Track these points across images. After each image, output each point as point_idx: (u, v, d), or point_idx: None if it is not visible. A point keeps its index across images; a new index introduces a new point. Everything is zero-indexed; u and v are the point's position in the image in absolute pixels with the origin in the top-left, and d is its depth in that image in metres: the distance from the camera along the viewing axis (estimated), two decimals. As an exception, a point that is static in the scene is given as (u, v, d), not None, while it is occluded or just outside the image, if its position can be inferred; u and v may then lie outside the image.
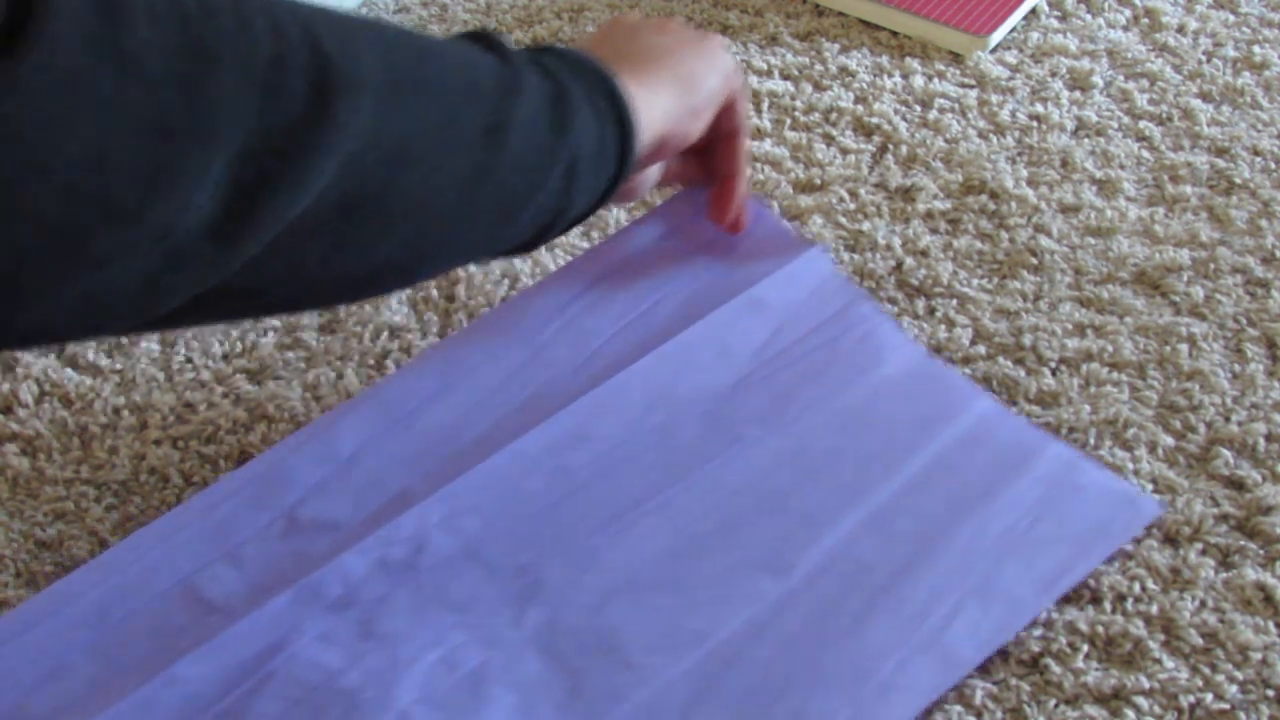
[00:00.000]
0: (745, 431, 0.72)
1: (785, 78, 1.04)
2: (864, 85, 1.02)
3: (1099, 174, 0.93)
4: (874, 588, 0.65)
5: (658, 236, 0.80)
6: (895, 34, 1.08)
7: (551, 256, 0.88)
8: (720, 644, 0.63)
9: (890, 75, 1.03)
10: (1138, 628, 0.65)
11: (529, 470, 0.69)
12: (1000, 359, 0.80)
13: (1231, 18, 1.09)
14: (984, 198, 0.92)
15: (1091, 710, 0.62)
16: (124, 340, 0.82)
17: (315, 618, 0.64)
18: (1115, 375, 0.79)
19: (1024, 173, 0.94)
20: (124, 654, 0.63)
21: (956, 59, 1.05)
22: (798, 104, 1.01)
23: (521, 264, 0.86)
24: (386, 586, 0.65)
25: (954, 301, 0.84)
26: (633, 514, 0.68)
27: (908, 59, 1.05)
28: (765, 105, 1.01)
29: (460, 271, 0.86)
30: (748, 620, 0.64)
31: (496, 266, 0.86)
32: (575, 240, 0.89)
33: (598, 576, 0.66)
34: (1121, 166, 0.94)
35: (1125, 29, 1.08)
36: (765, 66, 1.04)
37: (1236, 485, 0.72)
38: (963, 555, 0.66)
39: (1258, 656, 0.64)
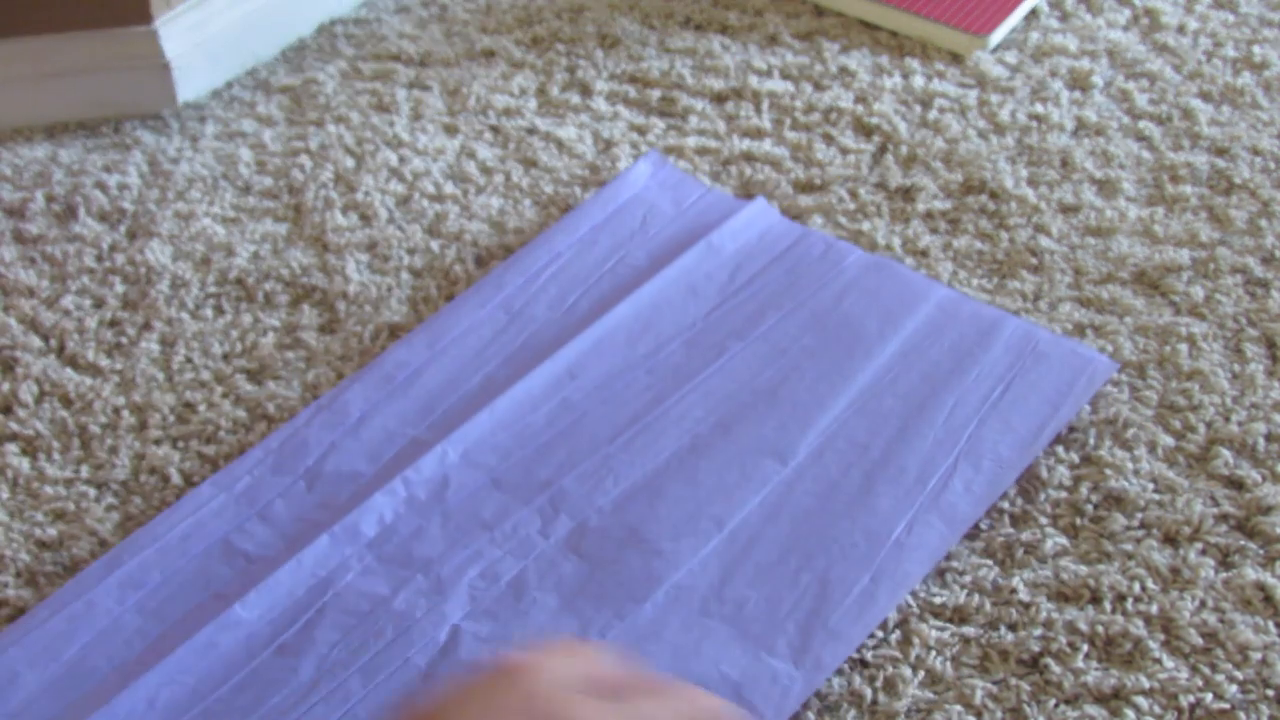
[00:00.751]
0: (727, 346, 0.78)
1: (785, 78, 1.04)
2: (864, 85, 1.02)
3: (1099, 174, 0.93)
4: (871, 462, 0.71)
5: (614, 207, 0.88)
6: (895, 34, 1.08)
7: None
8: (739, 525, 0.69)
9: (890, 75, 1.03)
10: (1138, 628, 0.65)
11: (532, 408, 0.75)
12: (1000, 359, 0.80)
13: (1231, 18, 1.09)
14: (984, 198, 0.92)
15: (1091, 710, 0.62)
16: (124, 340, 0.82)
17: (357, 554, 0.68)
18: (1115, 375, 0.79)
19: (1024, 173, 0.94)
20: (173, 608, 0.66)
21: (956, 59, 1.05)
22: (798, 104, 1.01)
23: (521, 264, 0.87)
24: (419, 520, 0.70)
25: (954, 301, 0.84)
26: (635, 427, 0.74)
27: (908, 59, 1.05)
28: (765, 105, 1.01)
29: (460, 271, 0.86)
30: (761, 502, 0.70)
31: (496, 266, 0.87)
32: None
33: (615, 482, 0.71)
34: (1121, 166, 0.94)
35: (1125, 29, 1.08)
36: (765, 66, 1.04)
37: (1236, 485, 0.72)
38: (947, 424, 0.73)
39: (1258, 656, 0.64)
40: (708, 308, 0.81)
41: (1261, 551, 0.69)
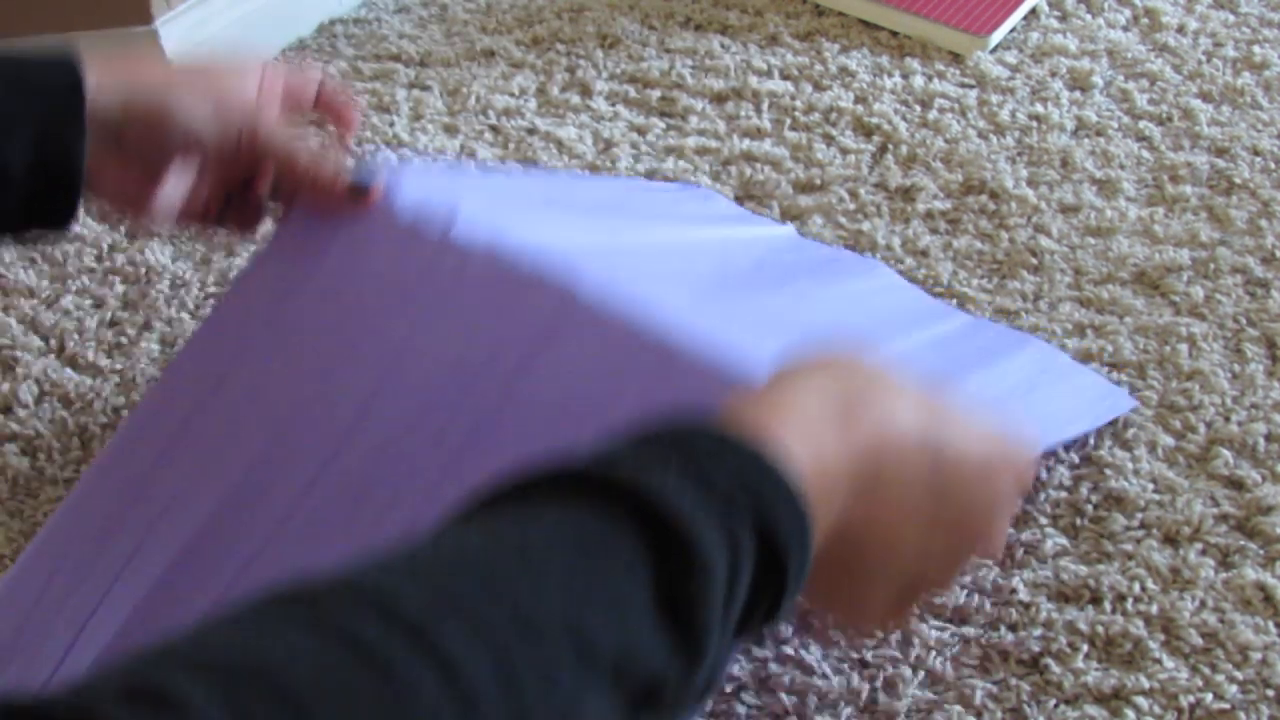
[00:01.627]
0: (742, 300, 0.68)
1: (785, 78, 1.04)
2: (864, 85, 1.02)
3: (1099, 174, 0.93)
4: None
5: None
6: (895, 34, 1.08)
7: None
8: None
9: (890, 75, 1.03)
10: (1138, 628, 0.65)
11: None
12: (1000, 359, 0.80)
13: (1231, 18, 1.09)
14: (984, 198, 0.92)
15: (1091, 710, 0.62)
16: (124, 340, 0.82)
17: None
18: (1115, 375, 0.78)
19: (1024, 173, 0.94)
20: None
21: (956, 59, 1.05)
22: (798, 104, 1.01)
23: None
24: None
25: (954, 301, 0.84)
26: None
27: (908, 59, 1.05)
28: (765, 105, 1.01)
29: (460, 271, 0.86)
30: None
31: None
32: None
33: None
34: (1121, 166, 0.94)
35: (1125, 29, 1.08)
36: (765, 66, 1.04)
37: (1236, 485, 0.72)
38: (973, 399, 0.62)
39: (1258, 656, 0.64)
40: (733, 278, 0.71)
41: (1261, 551, 0.69)
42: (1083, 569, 0.68)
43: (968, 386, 0.68)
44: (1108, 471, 0.73)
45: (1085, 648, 0.65)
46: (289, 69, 0.68)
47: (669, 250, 0.70)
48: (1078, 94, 1.01)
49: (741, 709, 0.62)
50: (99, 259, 0.88)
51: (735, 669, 0.63)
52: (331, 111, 0.71)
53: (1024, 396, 0.71)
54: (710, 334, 0.57)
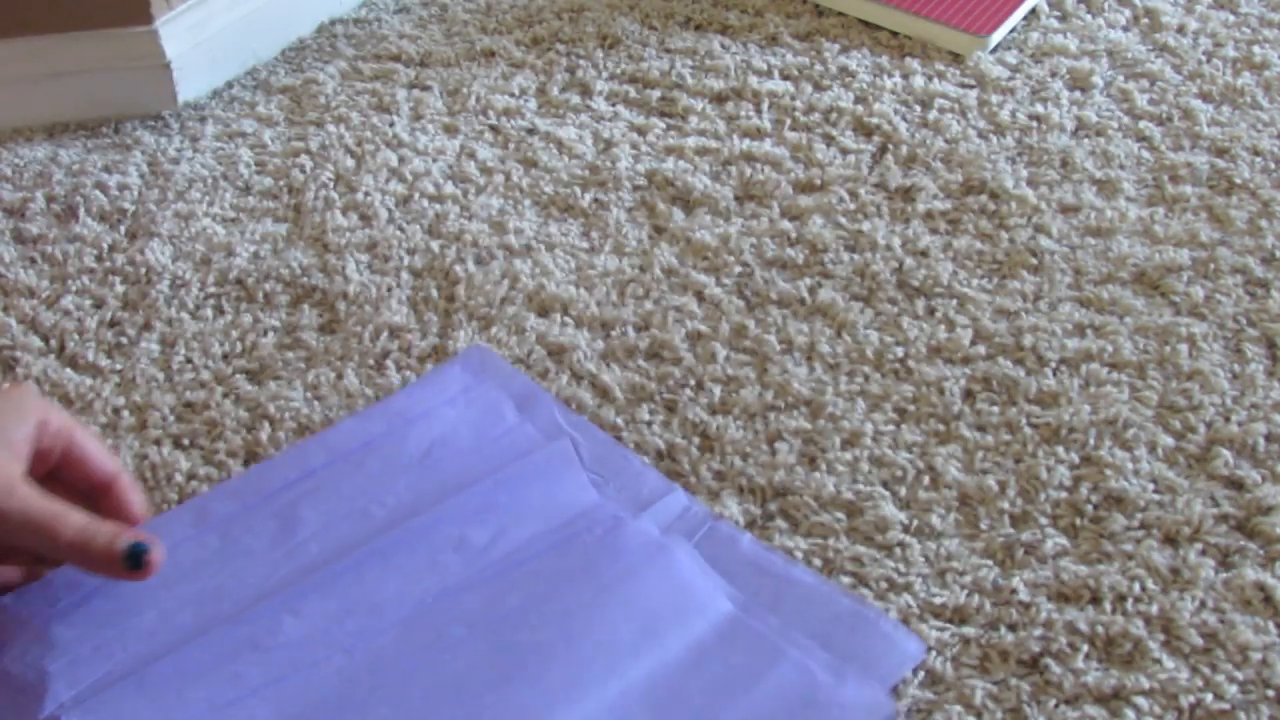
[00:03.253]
0: (447, 633, 0.64)
1: (785, 78, 1.04)
2: (864, 85, 1.02)
3: (1099, 174, 0.93)
4: None
5: (401, 422, 0.75)
6: (895, 34, 1.08)
7: (551, 258, 0.88)
8: None
9: (890, 75, 1.03)
10: (1138, 628, 0.65)
11: (186, 682, 0.62)
12: (1000, 359, 0.80)
13: (1231, 18, 1.09)
14: (984, 198, 0.92)
15: (1091, 710, 0.62)
16: (124, 340, 0.82)
17: None
18: (1115, 375, 0.79)
19: (1024, 173, 0.94)
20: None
21: (956, 59, 1.05)
22: (798, 104, 1.01)
23: (521, 263, 0.87)
24: None
25: (954, 301, 0.84)
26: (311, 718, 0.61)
27: (908, 59, 1.05)
28: (765, 105, 1.01)
29: (460, 271, 0.86)
30: None
31: (496, 266, 0.87)
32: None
33: None
34: (1121, 166, 0.94)
35: (1125, 29, 1.08)
36: (765, 66, 1.04)
37: (1236, 485, 0.72)
38: None
39: (1258, 656, 0.64)
40: (448, 582, 0.66)
41: (1261, 551, 0.69)
42: (1083, 569, 0.68)
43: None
44: (1108, 471, 0.73)
45: (1085, 648, 0.65)
46: (81, 434, 0.64)
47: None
48: (1078, 94, 1.01)
49: (741, 709, 0.62)
50: (99, 259, 0.88)
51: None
52: (118, 512, 0.65)
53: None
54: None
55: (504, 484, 0.71)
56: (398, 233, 0.90)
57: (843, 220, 0.90)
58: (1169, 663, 0.64)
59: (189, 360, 0.81)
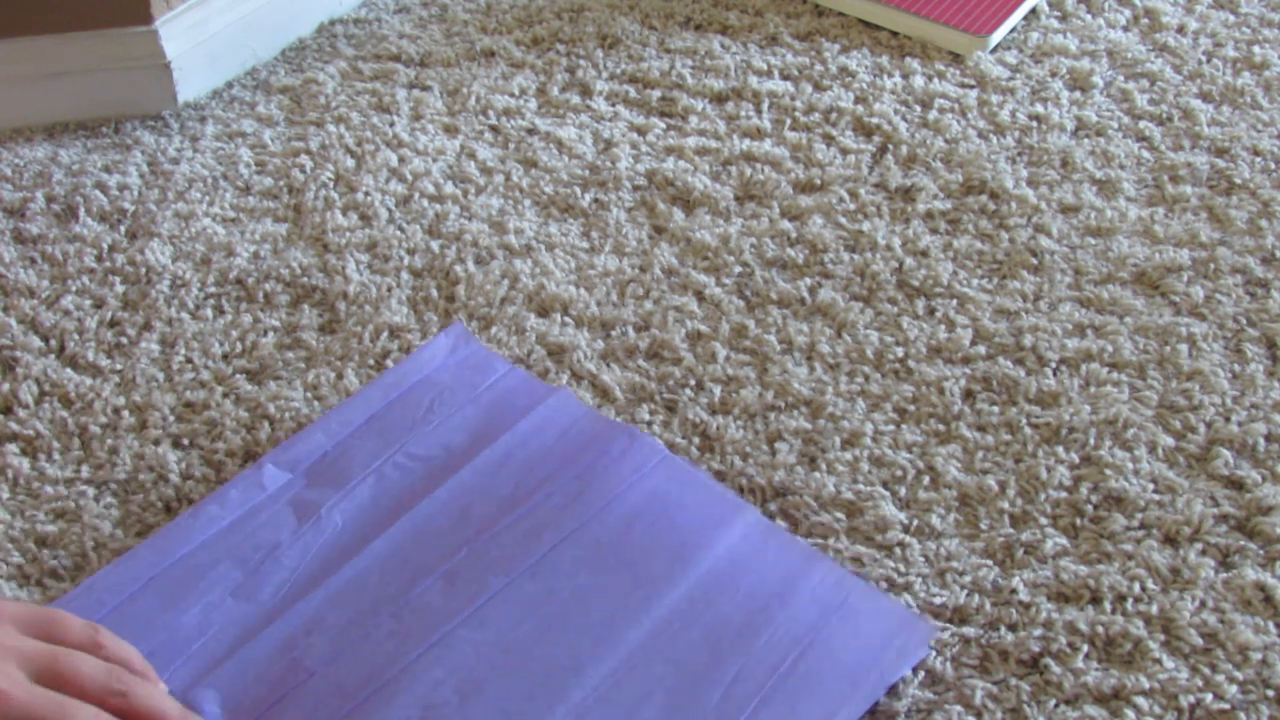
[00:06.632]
0: (489, 583, 0.67)
1: (785, 78, 1.04)
2: (864, 85, 1.02)
3: (1099, 174, 0.93)
4: None
5: (398, 393, 0.77)
6: (895, 34, 1.08)
7: (551, 257, 0.88)
8: None
9: (890, 75, 1.03)
10: (1138, 628, 0.65)
11: (256, 675, 0.64)
12: (1000, 359, 0.80)
13: (1231, 18, 1.09)
14: (984, 198, 0.92)
15: (1091, 710, 0.62)
16: (124, 340, 0.82)
17: None
18: (1115, 375, 0.79)
19: (1024, 173, 0.94)
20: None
21: (956, 59, 1.05)
22: (798, 104, 1.01)
23: (521, 263, 0.87)
24: None
25: (954, 301, 0.84)
26: (366, 692, 0.63)
27: (908, 59, 1.05)
28: (765, 105, 1.01)
29: (460, 271, 0.86)
30: None
31: (496, 266, 0.87)
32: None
33: None
34: (1121, 166, 0.94)
35: (1125, 29, 1.08)
36: (765, 66, 1.04)
37: (1236, 485, 0.72)
38: (721, 706, 0.61)
39: (1258, 656, 0.64)
40: (478, 533, 0.69)
41: (1261, 551, 0.69)
42: (1083, 569, 0.68)
43: (735, 663, 0.62)
44: (1108, 471, 0.73)
45: (1085, 648, 0.65)
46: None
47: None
48: (1078, 94, 1.01)
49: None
50: (99, 259, 0.88)
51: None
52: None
53: (796, 665, 0.63)
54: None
55: (518, 435, 0.74)
56: (398, 233, 0.90)
57: (843, 220, 0.90)
58: (1169, 663, 0.64)
59: (189, 360, 0.81)
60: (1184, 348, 0.80)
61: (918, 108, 1.00)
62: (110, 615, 0.66)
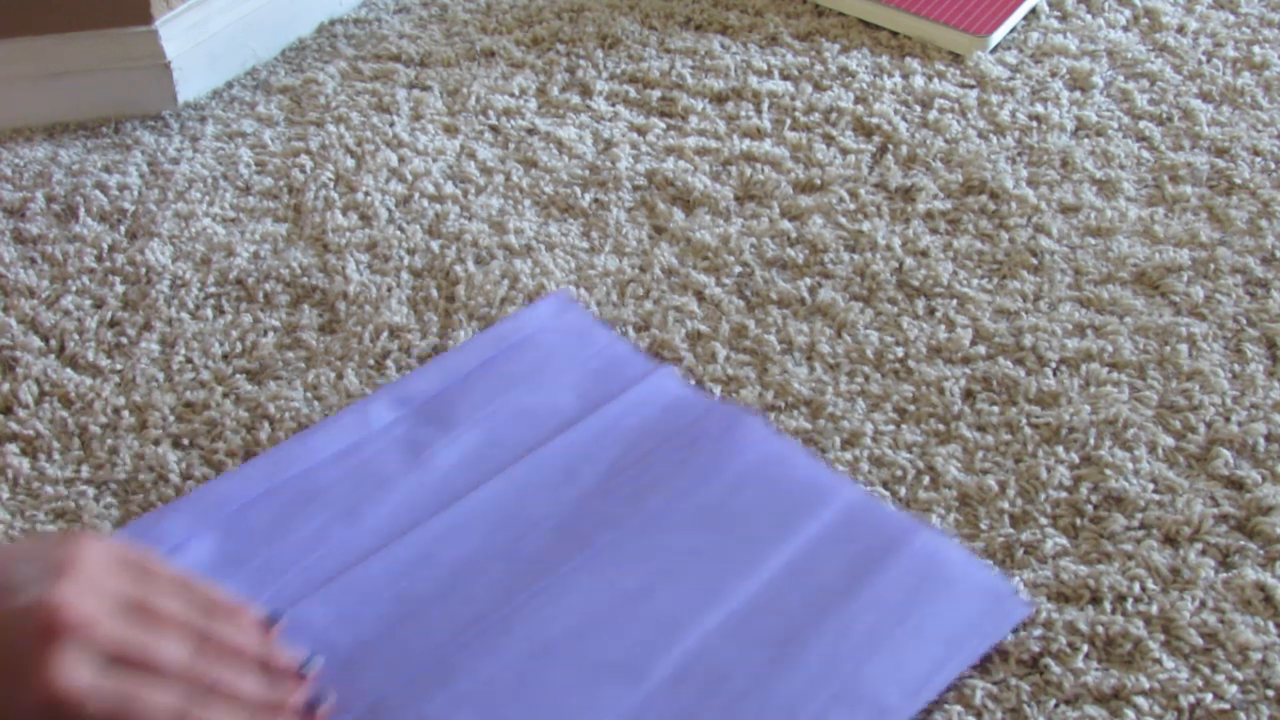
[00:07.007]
0: (597, 535, 0.69)
1: (785, 78, 1.04)
2: (864, 85, 1.02)
3: (1099, 174, 0.93)
4: (732, 694, 0.61)
5: (505, 346, 0.80)
6: (895, 34, 1.08)
7: (551, 257, 0.88)
8: None
9: (890, 75, 1.03)
10: (1138, 628, 0.65)
11: (364, 599, 0.66)
12: (1000, 359, 0.80)
13: (1231, 18, 1.09)
14: (984, 198, 0.92)
15: (1091, 710, 0.62)
16: (124, 340, 0.82)
17: None
18: (1115, 375, 0.79)
19: (1024, 173, 0.94)
20: None
21: (956, 59, 1.05)
22: (798, 104, 1.01)
23: (521, 263, 0.87)
24: None
25: (954, 301, 0.84)
26: (477, 628, 0.65)
27: (908, 59, 1.05)
28: (765, 105, 1.01)
29: (460, 271, 0.86)
30: None
31: (496, 266, 0.86)
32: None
33: (444, 693, 0.62)
34: (1121, 166, 0.94)
35: (1125, 29, 1.08)
36: (765, 66, 1.04)
37: (1236, 485, 0.72)
38: (825, 658, 0.63)
39: (1258, 656, 0.64)
40: (585, 492, 0.71)
41: (1261, 551, 0.69)
42: (1083, 569, 0.68)
43: (836, 622, 0.64)
44: (1108, 471, 0.73)
45: (1085, 648, 0.65)
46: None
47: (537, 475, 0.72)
48: (1078, 94, 1.01)
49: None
50: (99, 259, 0.88)
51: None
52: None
53: (896, 628, 0.64)
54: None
55: (624, 405, 0.76)
56: (398, 233, 0.90)
57: (843, 220, 0.90)
58: (1169, 663, 0.64)
59: (189, 360, 0.81)
60: (1184, 348, 0.80)
61: (918, 108, 1.00)
62: (224, 521, 0.69)
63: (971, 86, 1.02)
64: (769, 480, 0.71)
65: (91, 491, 0.74)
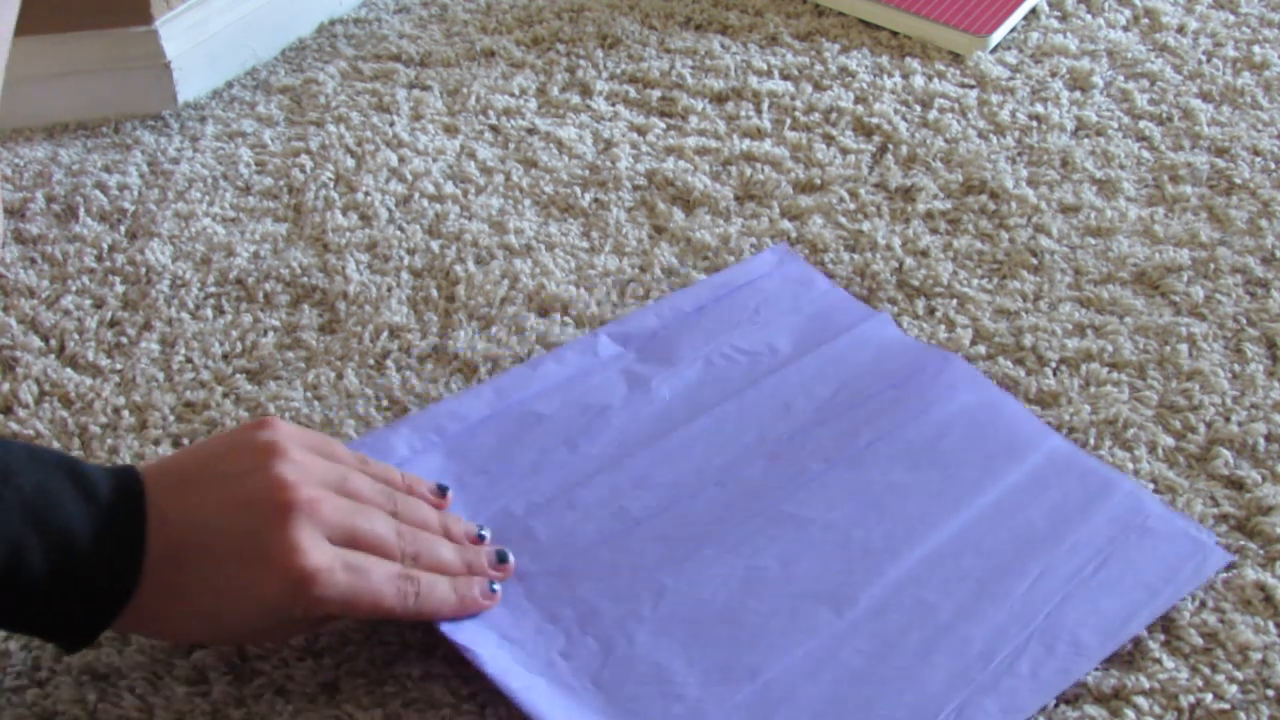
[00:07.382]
0: (809, 466, 0.72)
1: (785, 78, 1.04)
2: (864, 85, 1.02)
3: (1099, 174, 0.93)
4: (936, 626, 0.63)
5: (726, 291, 0.83)
6: (895, 34, 1.08)
7: (551, 257, 0.88)
8: (774, 679, 0.62)
9: (890, 75, 1.03)
10: (1138, 628, 0.65)
11: (585, 515, 0.69)
12: (1000, 359, 0.80)
13: (1231, 18, 1.09)
14: (984, 198, 0.92)
15: (1091, 710, 0.62)
16: (124, 340, 0.82)
17: None
18: (1115, 375, 0.79)
19: (1024, 173, 0.94)
20: None
21: (956, 59, 1.05)
22: (798, 104, 1.01)
23: (521, 263, 0.87)
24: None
25: (954, 301, 0.84)
26: (690, 546, 0.67)
27: (908, 59, 1.05)
28: (765, 105, 1.01)
29: (460, 271, 0.86)
30: (804, 655, 0.62)
31: (496, 266, 0.86)
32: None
33: (653, 610, 0.65)
34: (1121, 166, 0.94)
35: (1125, 29, 1.08)
36: (765, 66, 1.04)
37: (1236, 485, 0.72)
38: (1027, 597, 0.65)
39: (1258, 656, 0.64)
40: (799, 426, 0.74)
41: (1261, 551, 0.69)
42: (1083, 569, 0.68)
43: (1039, 563, 0.66)
44: (1108, 471, 0.73)
45: (1085, 648, 0.64)
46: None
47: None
48: (1078, 94, 1.01)
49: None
50: (99, 259, 0.88)
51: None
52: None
53: (1097, 572, 0.66)
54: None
55: (838, 348, 0.79)
56: (398, 233, 0.90)
57: (843, 220, 0.90)
58: (1169, 663, 0.64)
59: (189, 360, 0.81)
60: (1184, 348, 0.80)
61: (918, 108, 1.00)
62: (450, 440, 0.73)
63: (971, 86, 1.02)
64: (977, 424, 0.74)
65: (91, 491, 0.74)
